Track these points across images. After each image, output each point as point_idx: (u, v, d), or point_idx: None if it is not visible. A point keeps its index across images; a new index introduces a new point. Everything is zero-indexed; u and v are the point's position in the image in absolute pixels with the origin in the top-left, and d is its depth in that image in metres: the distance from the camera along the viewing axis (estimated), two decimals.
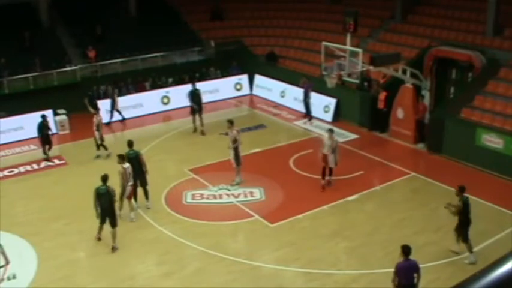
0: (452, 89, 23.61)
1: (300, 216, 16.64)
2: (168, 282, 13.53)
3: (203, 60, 30.43)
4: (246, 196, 18.06)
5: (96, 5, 30.39)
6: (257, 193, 18.22)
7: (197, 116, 24.05)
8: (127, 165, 16.10)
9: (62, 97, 25.29)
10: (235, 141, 18.50)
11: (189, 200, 17.82)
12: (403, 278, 11.11)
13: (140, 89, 27.80)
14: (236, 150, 18.59)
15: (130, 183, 16.14)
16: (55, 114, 24.78)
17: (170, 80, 28.72)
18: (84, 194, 18.54)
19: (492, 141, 19.28)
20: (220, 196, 18.09)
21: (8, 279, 13.41)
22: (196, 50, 30.48)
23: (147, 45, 29.22)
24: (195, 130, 24.21)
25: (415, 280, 11.18)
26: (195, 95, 24.11)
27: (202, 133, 23.91)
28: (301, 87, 25.96)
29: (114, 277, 13.76)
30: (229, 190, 18.39)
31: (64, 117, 24.70)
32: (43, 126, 21.32)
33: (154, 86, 28.15)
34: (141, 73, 28.24)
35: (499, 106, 20.80)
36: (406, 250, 11.27)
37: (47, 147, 21.37)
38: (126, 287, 13.40)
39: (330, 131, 18.66)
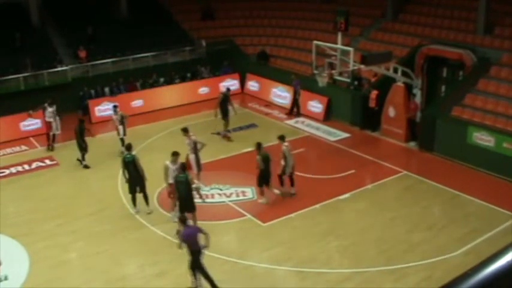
0: (443, 88, 23.68)
1: (292, 215, 16.65)
2: (160, 282, 13.51)
3: (194, 59, 30.38)
4: (238, 195, 18.05)
5: (87, 5, 30.31)
6: (249, 192, 18.21)
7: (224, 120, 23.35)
8: (176, 165, 15.82)
9: (53, 97, 25.18)
10: (195, 146, 18.06)
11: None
12: (192, 244, 12.39)
13: (131, 89, 27.75)
14: (197, 155, 18.18)
15: (170, 181, 15.96)
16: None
17: (161, 79, 28.69)
18: (76, 194, 18.59)
19: (483, 139, 19.35)
20: (212, 196, 18.07)
21: (0, 280, 13.37)
22: (188, 49, 30.44)
23: (138, 45, 29.20)
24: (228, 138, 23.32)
25: (201, 243, 12.47)
26: (226, 100, 23.34)
27: (219, 134, 23.29)
28: (292, 85, 26.18)
29: (107, 277, 13.72)
30: (221, 190, 18.38)
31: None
32: (82, 131, 20.56)
33: (145, 86, 28.11)
34: (132, 73, 28.17)
35: (490, 104, 20.88)
36: (182, 219, 12.86)
37: (84, 153, 20.76)
38: (118, 287, 13.38)
39: (280, 138, 17.90)
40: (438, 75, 23.81)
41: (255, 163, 17.09)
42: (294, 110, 26.32)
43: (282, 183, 17.81)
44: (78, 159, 20.85)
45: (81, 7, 30.08)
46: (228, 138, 23.23)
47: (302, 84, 25.83)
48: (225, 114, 23.26)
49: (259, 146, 17.10)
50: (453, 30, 24.94)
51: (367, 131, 23.87)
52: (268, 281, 13.59)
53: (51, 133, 22.59)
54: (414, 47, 24.25)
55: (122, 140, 21.43)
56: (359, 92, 24.37)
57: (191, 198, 15.28)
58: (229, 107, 23.33)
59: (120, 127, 21.53)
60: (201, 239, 12.55)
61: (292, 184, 17.80)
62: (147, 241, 15.42)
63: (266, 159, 16.94)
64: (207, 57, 30.60)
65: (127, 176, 16.64)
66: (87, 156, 20.75)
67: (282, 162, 17.46)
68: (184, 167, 15.35)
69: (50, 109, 22.41)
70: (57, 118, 22.61)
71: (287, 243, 15.12)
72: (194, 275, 12.75)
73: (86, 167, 20.67)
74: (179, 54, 30.10)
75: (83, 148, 20.60)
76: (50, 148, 22.59)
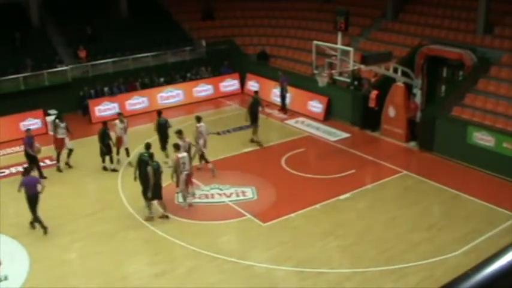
0: (443, 88, 23.70)
1: (292, 215, 16.64)
2: (160, 282, 13.50)
3: (195, 59, 30.38)
4: (238, 195, 18.04)
5: (86, 5, 30.30)
6: (249, 192, 18.21)
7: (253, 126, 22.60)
8: (183, 154, 16.83)
9: (53, 97, 25.21)
10: (189, 149, 17.99)
11: (180, 199, 17.76)
12: (29, 190, 15.42)
13: (131, 89, 27.72)
14: (189, 158, 17.89)
15: (186, 172, 16.78)
16: (46, 114, 24.68)
17: (162, 79, 28.69)
18: (76, 194, 18.57)
19: (483, 139, 19.35)
20: (212, 196, 18.07)
21: (0, 280, 13.37)
22: (188, 49, 30.44)
23: (138, 45, 29.20)
24: (259, 144, 22.50)
25: (39, 189, 15.52)
26: (256, 104, 22.58)
27: (253, 141, 22.56)
28: (279, 81, 26.71)
29: (107, 277, 13.72)
30: (221, 190, 18.37)
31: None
32: (105, 134, 19.91)
33: (145, 86, 28.08)
34: (132, 73, 28.17)
35: (490, 104, 20.89)
36: (27, 169, 16.06)
37: (107, 157, 20.22)
38: (118, 287, 13.37)
39: (196, 118, 19.66)
40: (438, 75, 23.81)
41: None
42: (286, 107, 26.61)
43: (205, 160, 19.31)
44: (104, 167, 20.35)
45: (81, 7, 30.06)
46: (259, 144, 22.47)
47: (289, 80, 26.43)
48: (254, 120, 22.49)
49: (159, 113, 20.66)
50: (453, 30, 24.94)
51: (367, 131, 23.86)
52: (268, 281, 13.59)
53: (64, 150, 20.69)
54: (414, 47, 24.25)
55: (127, 149, 20.90)
56: (359, 92, 24.36)
57: (161, 186, 16.24)
58: (259, 111, 22.62)
59: (125, 136, 20.64)
60: (39, 187, 15.47)
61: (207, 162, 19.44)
62: (147, 241, 15.43)
63: (163, 126, 20.14)
64: (207, 57, 30.60)
65: (137, 174, 16.62)
66: (110, 159, 20.35)
67: (200, 142, 19.26)
68: (152, 154, 16.51)
69: (62, 125, 20.59)
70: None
71: (287, 243, 15.12)
72: (36, 218, 15.71)
73: (114, 170, 20.21)
74: (179, 54, 30.09)
75: (103, 153, 20.04)
76: (63, 166, 20.76)
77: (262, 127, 24.52)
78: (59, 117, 21.25)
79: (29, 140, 19.27)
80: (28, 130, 19.71)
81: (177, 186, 17.04)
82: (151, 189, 15.97)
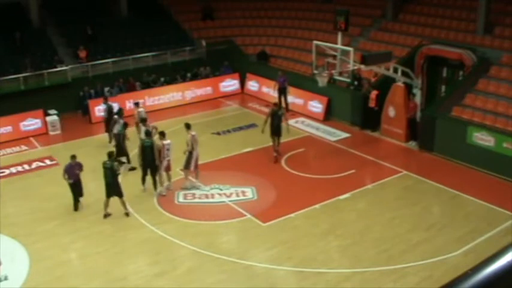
0: (443, 88, 23.70)
1: (292, 215, 16.63)
2: (160, 282, 13.50)
3: (194, 59, 30.38)
4: (238, 195, 18.04)
5: (86, 5, 30.33)
6: (249, 192, 18.20)
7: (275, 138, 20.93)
8: (167, 141, 17.80)
9: (53, 97, 25.20)
10: (193, 144, 17.97)
11: (181, 199, 17.79)
12: None
13: (131, 88, 27.69)
14: (191, 153, 17.98)
15: (168, 158, 17.77)
16: (46, 114, 24.67)
17: (162, 79, 28.67)
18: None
19: (483, 139, 19.35)
20: (212, 196, 18.05)
21: (0, 280, 13.38)
22: (188, 49, 30.43)
23: (138, 45, 29.22)
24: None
25: None
26: (276, 116, 20.70)
27: (276, 160, 20.74)
28: (278, 80, 26.57)
29: (107, 277, 13.72)
30: (221, 190, 18.37)
31: (55, 117, 24.57)
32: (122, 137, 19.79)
33: (145, 86, 28.06)
34: (132, 73, 28.14)
35: (490, 104, 20.88)
36: None
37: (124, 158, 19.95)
38: (118, 287, 13.37)
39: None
40: (438, 75, 23.81)
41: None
42: (283, 106, 26.41)
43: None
44: (131, 168, 19.91)
45: (81, 7, 30.08)
46: (276, 159, 20.88)
47: (288, 80, 26.41)
48: (277, 132, 20.80)
49: (105, 98, 22.83)
50: (453, 30, 24.95)
51: (367, 131, 23.86)
52: (268, 281, 13.59)
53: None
54: (414, 47, 24.25)
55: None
56: (359, 92, 24.36)
57: (117, 184, 16.54)
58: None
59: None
60: None
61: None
62: (147, 241, 15.42)
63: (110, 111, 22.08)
64: (207, 57, 30.59)
65: (142, 160, 17.72)
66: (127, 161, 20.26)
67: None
68: (112, 154, 16.91)
69: (121, 121, 20.35)
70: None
71: (287, 243, 15.12)
72: None
73: (132, 168, 19.72)
74: (179, 54, 30.08)
75: (121, 154, 19.72)
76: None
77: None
78: (119, 113, 21.07)
79: (71, 167, 17.32)
80: (73, 157, 17.42)
81: (164, 171, 17.97)
82: (106, 187, 16.50)
